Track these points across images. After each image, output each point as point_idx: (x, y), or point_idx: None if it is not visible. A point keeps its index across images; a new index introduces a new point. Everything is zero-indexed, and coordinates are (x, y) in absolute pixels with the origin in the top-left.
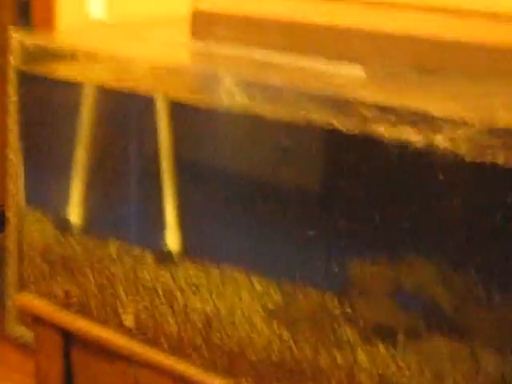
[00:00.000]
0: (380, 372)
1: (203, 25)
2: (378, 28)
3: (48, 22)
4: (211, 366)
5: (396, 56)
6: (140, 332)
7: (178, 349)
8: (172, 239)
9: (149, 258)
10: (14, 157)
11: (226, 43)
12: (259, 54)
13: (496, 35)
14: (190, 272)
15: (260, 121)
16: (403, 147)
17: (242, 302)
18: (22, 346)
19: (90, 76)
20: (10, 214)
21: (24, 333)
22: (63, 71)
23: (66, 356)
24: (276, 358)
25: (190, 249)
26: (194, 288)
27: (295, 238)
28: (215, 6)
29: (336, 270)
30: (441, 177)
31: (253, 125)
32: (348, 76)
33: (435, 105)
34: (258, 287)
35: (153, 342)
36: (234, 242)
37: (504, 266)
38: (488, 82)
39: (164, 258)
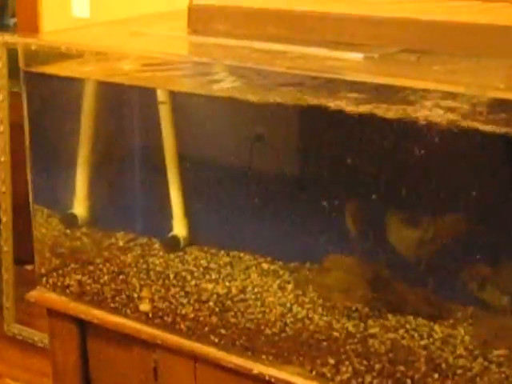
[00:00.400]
0: (391, 338)
1: (200, 19)
2: (371, 13)
3: (32, 23)
4: (229, 345)
5: (390, 39)
6: (156, 316)
7: (195, 330)
8: (178, 227)
9: (157, 245)
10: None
11: (225, 36)
12: (258, 45)
13: (486, 15)
14: (197, 256)
15: (260, 108)
16: (412, 125)
17: (252, 281)
18: (21, 344)
19: (92, 73)
20: (2, 215)
21: (21, 331)
22: (67, 70)
23: (82, 347)
24: (291, 331)
25: (197, 235)
26: (203, 271)
27: (295, 221)
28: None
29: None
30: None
31: (254, 112)
32: (348, 59)
33: (438, 82)
34: (265, 266)
35: (170, 325)
36: (240, 226)
37: None
38: (484, 59)
39: (172, 244)
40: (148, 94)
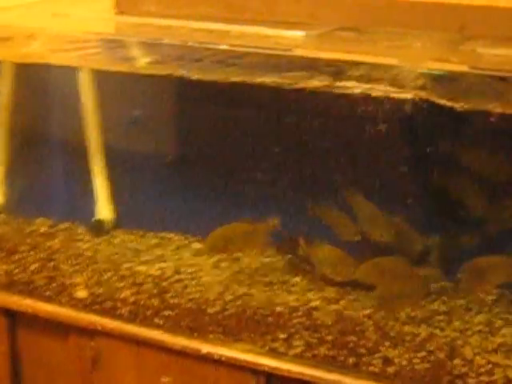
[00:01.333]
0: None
1: (127, 1)
2: None
3: None
4: (174, 326)
5: (325, 18)
6: (94, 302)
7: (137, 313)
8: (103, 210)
9: (80, 230)
10: None
11: (155, 17)
12: (196, 24)
13: None
14: (125, 239)
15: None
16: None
17: (185, 261)
18: None
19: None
20: None
21: None
22: None
23: (11, 339)
24: (234, 309)
25: (122, 218)
26: (133, 253)
27: (222, 201)
28: None
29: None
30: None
31: (184, 90)
32: (290, 37)
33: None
34: (197, 246)
35: (110, 310)
36: (166, 207)
37: None
38: (422, 34)
39: (97, 228)
40: (70, 75)
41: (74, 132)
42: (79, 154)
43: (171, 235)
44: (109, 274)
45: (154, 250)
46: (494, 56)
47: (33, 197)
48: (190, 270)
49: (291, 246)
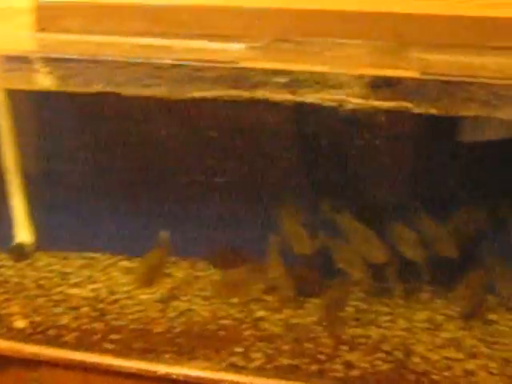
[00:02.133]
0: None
1: (50, 16)
2: (240, 4)
3: None
4: (125, 349)
5: (259, 30)
6: (35, 331)
7: (83, 339)
8: (23, 233)
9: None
10: None
11: (80, 33)
12: (133, 40)
13: (353, 4)
14: (49, 262)
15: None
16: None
17: (115, 280)
18: None
19: None
20: None
21: None
22: None
23: None
24: (181, 326)
25: (43, 240)
26: (61, 276)
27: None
28: None
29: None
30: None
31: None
32: (232, 50)
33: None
34: (126, 264)
35: (54, 338)
36: (89, 226)
37: None
38: (356, 45)
39: (18, 252)
40: None
41: None
42: None
43: (95, 255)
44: (41, 300)
45: (82, 271)
46: (443, 62)
47: None
48: (124, 289)
49: (225, 258)
